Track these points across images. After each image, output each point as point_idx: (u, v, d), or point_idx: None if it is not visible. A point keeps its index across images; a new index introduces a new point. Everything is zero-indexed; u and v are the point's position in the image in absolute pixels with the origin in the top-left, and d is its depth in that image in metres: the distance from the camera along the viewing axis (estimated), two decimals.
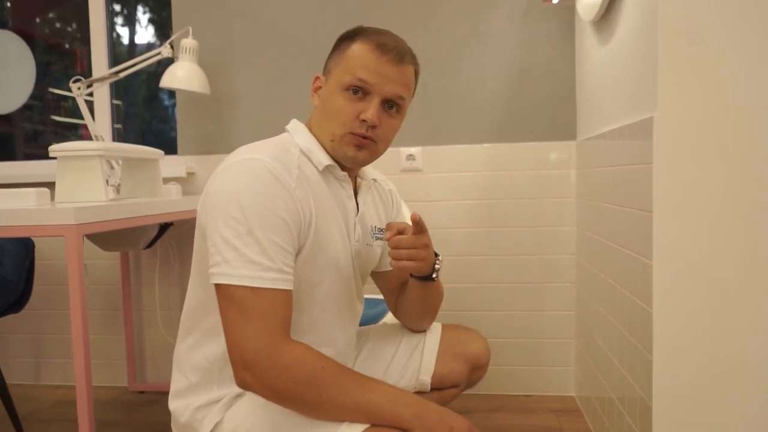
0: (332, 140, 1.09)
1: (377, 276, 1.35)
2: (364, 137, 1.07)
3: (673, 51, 1.22)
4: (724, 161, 1.21)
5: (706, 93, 1.21)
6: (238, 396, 1.08)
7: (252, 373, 0.94)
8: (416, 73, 1.14)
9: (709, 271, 1.22)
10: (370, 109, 1.06)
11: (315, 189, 1.07)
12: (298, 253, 1.04)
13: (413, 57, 1.13)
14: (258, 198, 0.97)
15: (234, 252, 0.95)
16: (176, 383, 1.15)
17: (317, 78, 1.16)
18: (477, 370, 1.34)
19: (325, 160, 1.10)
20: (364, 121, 1.06)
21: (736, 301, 1.22)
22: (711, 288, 1.23)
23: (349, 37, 1.11)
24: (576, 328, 2.25)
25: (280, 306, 0.96)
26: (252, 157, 1.01)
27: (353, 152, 1.08)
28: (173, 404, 1.14)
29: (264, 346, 0.93)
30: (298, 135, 1.12)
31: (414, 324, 1.34)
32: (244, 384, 0.96)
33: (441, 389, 1.32)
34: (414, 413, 0.93)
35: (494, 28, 2.26)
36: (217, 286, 0.98)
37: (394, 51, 1.07)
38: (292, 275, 1.00)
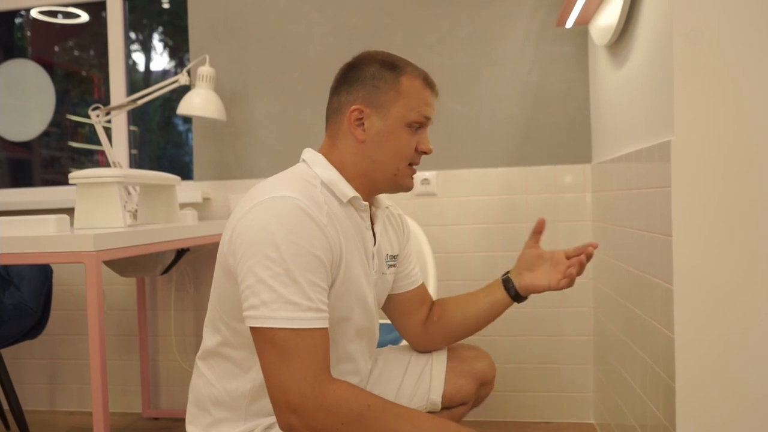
0: (396, 174, 1.13)
1: (390, 299, 1.33)
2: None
3: (690, 74, 1.22)
4: (744, 183, 1.20)
5: (723, 116, 1.21)
6: (269, 428, 1.08)
7: (298, 416, 0.93)
8: None
9: (732, 294, 1.21)
10: (426, 141, 1.15)
11: (342, 224, 1.07)
12: (329, 290, 1.04)
13: None
14: (292, 237, 0.96)
15: (272, 293, 0.94)
16: (198, 417, 1.14)
17: (358, 109, 1.10)
18: (484, 386, 1.36)
19: (349, 192, 1.10)
20: (423, 152, 1.14)
21: (761, 326, 1.20)
22: (734, 312, 1.21)
23: (389, 69, 1.11)
24: (594, 354, 2.23)
25: (320, 345, 0.96)
26: (282, 195, 0.99)
27: (411, 182, 1.16)
28: None
29: (309, 388, 0.93)
30: (318, 167, 1.11)
31: (433, 346, 1.35)
32: (289, 427, 0.95)
33: (450, 407, 1.33)
34: None
35: (508, 53, 2.28)
36: (255, 329, 0.96)
37: (434, 84, 1.15)
38: (327, 312, 1.00)
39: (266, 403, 1.04)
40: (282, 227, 0.96)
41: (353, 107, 1.11)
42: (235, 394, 1.09)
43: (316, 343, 0.95)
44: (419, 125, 1.12)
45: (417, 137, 1.13)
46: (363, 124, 1.11)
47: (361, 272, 1.11)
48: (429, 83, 1.14)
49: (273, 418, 1.07)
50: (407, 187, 1.16)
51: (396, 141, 1.11)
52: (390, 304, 1.34)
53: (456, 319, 1.31)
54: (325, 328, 0.98)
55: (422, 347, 1.36)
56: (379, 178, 1.12)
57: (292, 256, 0.95)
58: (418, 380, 1.31)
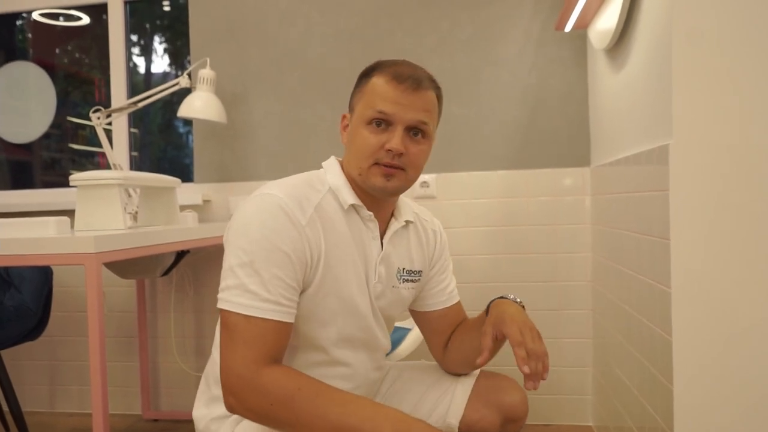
0: (360, 174, 1.10)
1: (417, 315, 1.33)
2: (392, 166, 1.08)
3: (688, 78, 1.23)
4: (742, 186, 1.20)
5: (721, 119, 1.21)
6: None
7: (234, 396, 0.98)
8: (438, 97, 1.14)
9: (730, 297, 1.21)
10: (394, 138, 1.07)
11: (332, 228, 1.08)
12: (305, 291, 1.06)
13: (432, 81, 1.13)
14: (264, 231, 1.01)
15: (235, 280, 1.00)
16: (202, 394, 1.22)
17: (344, 117, 1.18)
18: (511, 423, 1.26)
19: (350, 199, 1.11)
20: (389, 150, 1.07)
21: (758, 329, 1.20)
22: (732, 315, 1.21)
23: (367, 73, 1.14)
24: (593, 356, 2.23)
25: (270, 335, 0.99)
26: (268, 193, 1.06)
27: (382, 182, 1.09)
28: (196, 412, 1.21)
29: (246, 371, 0.97)
30: (329, 173, 1.15)
31: (460, 369, 1.30)
32: (230, 408, 1.00)
33: None
34: (393, 430, 0.93)
35: (507, 56, 2.28)
36: (220, 310, 1.03)
37: (410, 79, 1.08)
38: (292, 308, 1.03)
39: None
40: (258, 222, 1.02)
41: (342, 115, 1.19)
42: None
43: (266, 333, 0.99)
44: (380, 121, 1.08)
45: (385, 135, 1.08)
46: (348, 129, 1.16)
47: (352, 279, 1.11)
48: (397, 77, 1.08)
49: None
50: (377, 188, 1.09)
51: (356, 140, 1.10)
52: (419, 321, 1.34)
53: (461, 350, 1.27)
54: (282, 322, 1.01)
55: (445, 369, 1.32)
56: (356, 180, 1.12)
57: (261, 249, 1.00)
58: (438, 400, 1.27)
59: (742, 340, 1.21)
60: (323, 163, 1.19)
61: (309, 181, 1.12)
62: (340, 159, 1.19)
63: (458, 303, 1.33)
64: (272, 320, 0.99)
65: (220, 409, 1.14)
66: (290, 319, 1.02)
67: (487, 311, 1.19)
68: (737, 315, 1.21)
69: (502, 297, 1.20)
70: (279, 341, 1.01)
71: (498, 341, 1.14)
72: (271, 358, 0.99)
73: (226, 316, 1.01)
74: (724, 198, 1.21)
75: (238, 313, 0.99)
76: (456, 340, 1.29)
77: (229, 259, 1.02)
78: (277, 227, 1.02)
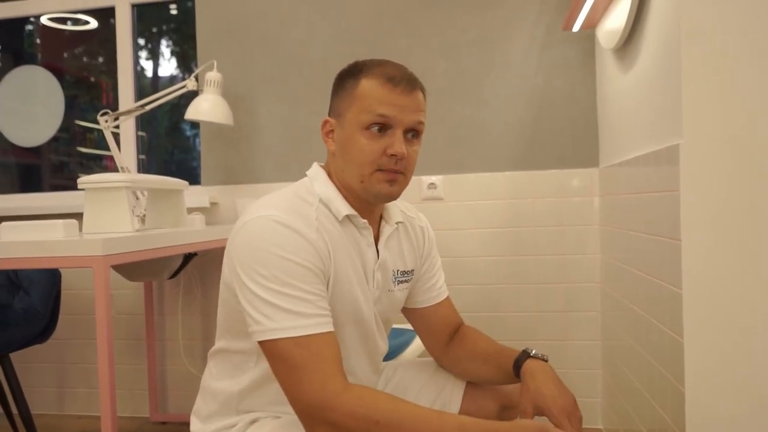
0: (362, 181, 1.07)
1: (409, 312, 1.32)
2: (395, 171, 1.07)
3: (698, 77, 1.22)
4: (753, 186, 1.19)
5: (732, 118, 1.20)
6: (252, 422, 1.12)
7: (321, 427, 0.94)
8: (425, 96, 1.13)
9: (742, 298, 1.20)
10: (397, 143, 1.05)
11: (334, 239, 1.07)
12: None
13: (418, 81, 1.11)
14: (279, 251, 0.98)
15: (270, 307, 0.96)
16: (200, 407, 1.20)
17: (326, 122, 1.14)
18: (508, 410, 1.27)
19: (344, 209, 1.09)
20: (393, 155, 1.05)
21: None
22: (744, 316, 1.20)
23: (351, 76, 1.10)
24: (602, 358, 2.21)
25: (325, 350, 0.96)
26: (267, 214, 1.02)
27: (387, 189, 1.07)
28: (194, 426, 1.19)
29: (321, 399, 0.93)
30: (317, 183, 1.12)
31: (452, 371, 1.30)
32: None
33: None
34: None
35: (514, 57, 2.27)
36: (262, 343, 0.98)
37: (404, 80, 1.06)
38: (329, 317, 1.00)
39: (253, 401, 1.12)
40: (267, 245, 0.99)
41: (324, 120, 1.14)
42: (227, 391, 1.14)
43: (320, 350, 0.96)
44: (380, 126, 1.05)
45: (385, 140, 1.06)
46: (333, 135, 1.12)
47: (356, 289, 1.10)
48: (391, 79, 1.05)
49: (258, 414, 1.13)
50: (381, 195, 1.08)
51: (354, 147, 1.06)
52: (412, 318, 1.33)
53: (469, 372, 1.27)
54: (329, 332, 0.98)
55: (444, 368, 1.32)
56: (354, 188, 1.09)
57: (282, 270, 0.97)
58: (436, 394, 1.27)
59: (754, 342, 1.20)
60: (308, 172, 1.16)
61: (298, 195, 1.09)
62: (322, 164, 1.16)
63: (448, 298, 1.32)
64: (320, 333, 0.97)
65: (217, 423, 1.15)
66: (332, 328, 1.00)
67: (515, 368, 1.18)
68: (749, 316, 1.20)
69: (524, 351, 1.19)
70: (333, 352, 0.97)
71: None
72: (336, 375, 0.95)
73: (276, 346, 0.96)
74: (735, 198, 1.20)
75: (286, 338, 0.95)
76: (466, 360, 1.27)
77: (252, 290, 0.98)
78: (285, 244, 0.99)
